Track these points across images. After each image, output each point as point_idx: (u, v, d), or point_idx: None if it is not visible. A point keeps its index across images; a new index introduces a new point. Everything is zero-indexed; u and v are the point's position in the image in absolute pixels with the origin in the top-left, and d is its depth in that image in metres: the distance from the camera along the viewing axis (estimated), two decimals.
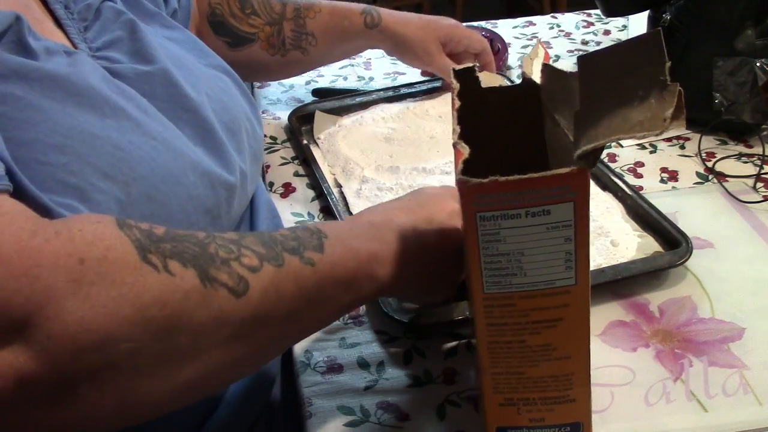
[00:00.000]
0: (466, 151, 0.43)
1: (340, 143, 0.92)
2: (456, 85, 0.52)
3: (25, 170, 0.46)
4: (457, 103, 0.50)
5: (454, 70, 0.54)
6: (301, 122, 0.98)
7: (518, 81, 0.55)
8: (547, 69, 0.51)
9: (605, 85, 0.41)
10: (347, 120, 0.98)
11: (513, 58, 1.15)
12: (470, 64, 0.55)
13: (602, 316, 0.65)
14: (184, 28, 0.76)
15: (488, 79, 0.56)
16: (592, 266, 0.68)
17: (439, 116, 0.97)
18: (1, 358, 0.37)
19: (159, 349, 0.41)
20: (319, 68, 1.10)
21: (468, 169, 0.42)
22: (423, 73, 1.09)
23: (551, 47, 1.19)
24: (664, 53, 0.39)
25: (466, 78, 0.54)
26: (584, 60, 0.43)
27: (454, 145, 0.44)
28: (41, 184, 0.46)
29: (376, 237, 0.54)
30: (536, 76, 0.52)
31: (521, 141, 0.54)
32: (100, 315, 0.38)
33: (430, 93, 1.03)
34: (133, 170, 0.52)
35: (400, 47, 0.97)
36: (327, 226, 0.53)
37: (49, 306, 0.37)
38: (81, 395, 0.39)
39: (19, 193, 0.44)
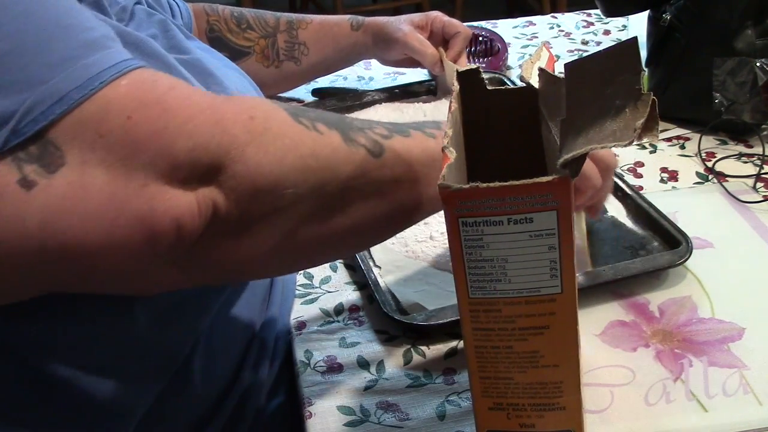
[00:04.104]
0: (452, 155, 0.42)
1: None
2: (456, 86, 0.52)
3: None
4: (453, 106, 0.49)
5: (457, 71, 0.54)
6: None
7: (519, 82, 0.54)
8: (543, 74, 0.50)
9: (589, 94, 0.41)
10: None
11: (513, 58, 1.15)
12: (474, 66, 0.55)
13: (602, 316, 0.65)
14: None
15: (451, 68, 0.55)
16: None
17: (437, 117, 0.97)
18: (203, 193, 0.43)
19: (315, 198, 0.47)
20: None
21: (471, 171, 0.41)
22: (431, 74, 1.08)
23: (551, 47, 1.19)
24: (640, 62, 0.39)
25: (471, 80, 0.54)
26: (571, 67, 0.43)
27: (443, 149, 0.44)
28: None
29: None
30: (535, 81, 0.52)
31: (527, 144, 0.54)
32: (271, 162, 0.44)
33: (430, 93, 1.03)
34: None
35: (377, 37, 1.00)
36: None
37: (234, 152, 0.43)
38: (255, 233, 0.45)
39: None
